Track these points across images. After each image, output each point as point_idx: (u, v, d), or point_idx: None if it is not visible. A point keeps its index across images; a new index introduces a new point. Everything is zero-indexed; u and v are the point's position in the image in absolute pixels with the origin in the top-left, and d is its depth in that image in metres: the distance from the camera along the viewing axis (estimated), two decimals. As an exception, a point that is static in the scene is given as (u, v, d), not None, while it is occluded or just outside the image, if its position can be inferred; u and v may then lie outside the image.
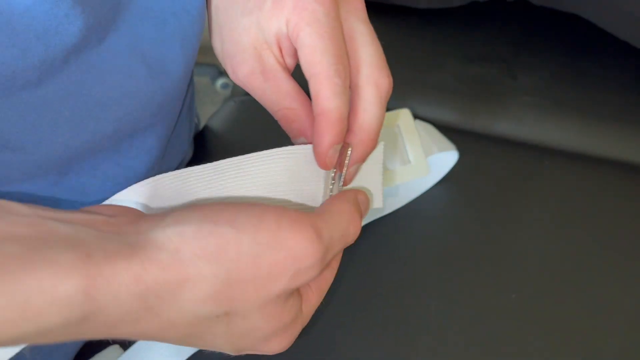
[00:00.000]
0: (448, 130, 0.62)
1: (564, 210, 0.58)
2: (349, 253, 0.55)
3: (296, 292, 0.33)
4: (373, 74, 0.36)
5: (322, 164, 0.35)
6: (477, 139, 0.64)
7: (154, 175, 0.43)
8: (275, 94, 0.37)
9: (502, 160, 0.62)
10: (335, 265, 0.37)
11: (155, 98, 0.39)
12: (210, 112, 0.72)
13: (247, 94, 0.71)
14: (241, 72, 0.38)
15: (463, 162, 0.60)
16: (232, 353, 0.33)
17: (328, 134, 0.34)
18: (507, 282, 0.54)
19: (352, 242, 0.35)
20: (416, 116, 0.63)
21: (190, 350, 0.48)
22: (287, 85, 0.37)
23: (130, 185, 0.37)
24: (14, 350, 0.26)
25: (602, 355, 0.51)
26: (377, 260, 0.56)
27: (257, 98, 0.38)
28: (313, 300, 0.34)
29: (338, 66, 0.34)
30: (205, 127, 0.68)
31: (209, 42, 0.42)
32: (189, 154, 0.64)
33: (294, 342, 0.35)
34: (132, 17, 0.37)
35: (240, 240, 0.28)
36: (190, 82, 0.45)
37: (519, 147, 0.64)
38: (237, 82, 0.38)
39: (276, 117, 0.37)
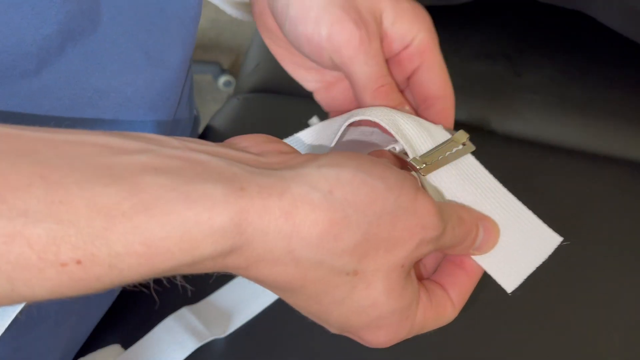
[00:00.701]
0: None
1: (567, 208, 0.58)
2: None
3: (416, 282, 0.33)
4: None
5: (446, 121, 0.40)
6: (481, 136, 0.64)
7: None
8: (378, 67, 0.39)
9: (506, 157, 0.62)
10: (458, 306, 0.36)
11: (154, 86, 0.39)
12: (213, 110, 0.71)
13: (250, 91, 0.72)
14: (341, 36, 0.38)
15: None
16: (334, 330, 0.32)
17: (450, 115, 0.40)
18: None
19: (456, 253, 0.35)
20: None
21: (192, 347, 0.48)
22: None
23: None
24: (14, 309, 0.25)
25: (604, 353, 0.51)
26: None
27: (346, 68, 0.39)
28: (427, 308, 0.33)
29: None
30: (209, 126, 0.67)
31: (211, 40, 0.42)
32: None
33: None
34: (129, 6, 0.37)
35: (387, 197, 0.29)
36: (189, 71, 0.45)
37: (523, 144, 0.64)
38: (327, 45, 0.38)
39: (372, 95, 0.39)
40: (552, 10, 0.73)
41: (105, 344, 0.49)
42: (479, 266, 0.36)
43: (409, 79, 0.41)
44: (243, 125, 0.66)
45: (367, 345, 0.33)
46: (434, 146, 0.36)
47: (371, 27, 0.38)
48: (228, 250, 0.25)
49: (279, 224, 0.26)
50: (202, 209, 0.24)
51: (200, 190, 0.24)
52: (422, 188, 0.31)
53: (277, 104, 0.68)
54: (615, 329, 0.52)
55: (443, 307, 0.35)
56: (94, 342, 0.50)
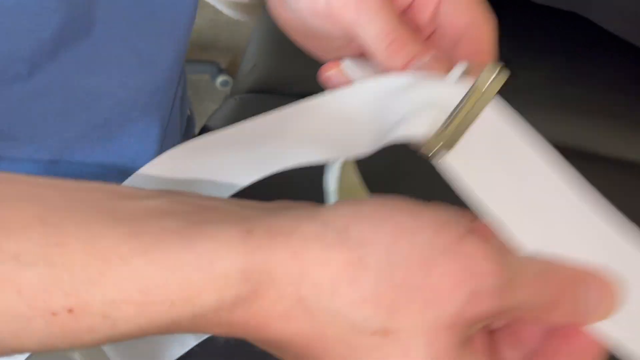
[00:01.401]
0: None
1: (563, 208, 0.58)
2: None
3: (484, 357, 0.25)
4: None
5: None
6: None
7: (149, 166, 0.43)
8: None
9: (502, 158, 0.62)
10: None
11: (146, 87, 0.39)
12: (210, 110, 0.71)
13: (248, 91, 0.72)
14: None
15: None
16: None
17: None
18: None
19: (555, 321, 0.25)
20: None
21: (192, 343, 0.48)
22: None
23: (123, 175, 0.37)
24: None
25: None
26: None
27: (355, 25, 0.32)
28: None
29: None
30: (205, 126, 0.68)
31: (209, 40, 0.42)
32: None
33: None
34: (121, 8, 0.37)
35: (416, 237, 0.23)
36: (182, 73, 0.45)
37: (519, 145, 0.64)
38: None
39: (384, 55, 0.32)
40: (547, 11, 0.73)
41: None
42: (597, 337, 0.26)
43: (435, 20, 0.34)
44: (240, 125, 0.67)
45: None
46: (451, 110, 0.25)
47: None
48: (233, 301, 0.22)
49: (286, 267, 0.22)
50: (203, 252, 0.22)
51: (204, 232, 0.22)
52: (479, 233, 0.24)
53: (274, 104, 0.68)
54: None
55: None
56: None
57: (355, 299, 0.22)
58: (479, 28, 0.33)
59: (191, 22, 0.42)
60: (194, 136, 0.66)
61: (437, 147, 0.25)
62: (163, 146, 0.47)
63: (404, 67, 0.30)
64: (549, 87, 0.68)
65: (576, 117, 0.67)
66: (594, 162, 0.63)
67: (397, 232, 0.23)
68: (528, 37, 0.73)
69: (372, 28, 0.32)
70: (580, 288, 0.25)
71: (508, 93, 0.68)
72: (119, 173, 0.42)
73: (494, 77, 0.25)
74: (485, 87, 0.25)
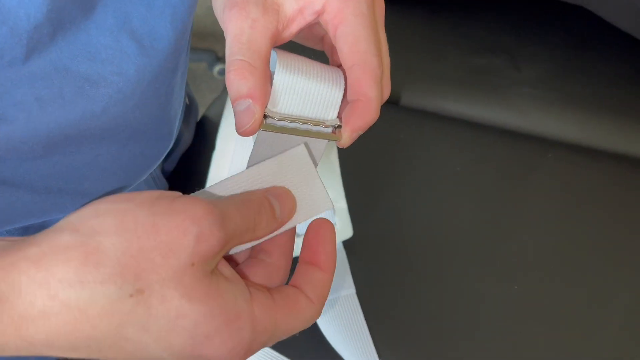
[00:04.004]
0: (451, 121, 0.62)
1: (566, 202, 0.58)
2: (352, 248, 0.55)
3: (234, 278, 0.31)
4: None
5: (345, 144, 0.35)
6: (480, 130, 0.64)
7: (145, 156, 0.42)
8: None
9: (505, 152, 0.62)
10: (282, 276, 0.34)
11: (145, 75, 0.39)
12: (207, 98, 0.71)
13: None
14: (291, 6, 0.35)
15: (465, 153, 0.59)
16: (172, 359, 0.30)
17: (364, 119, 0.34)
18: (508, 273, 0.54)
19: (262, 234, 0.33)
20: (421, 108, 0.63)
21: None
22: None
23: (118, 166, 0.36)
24: None
25: (603, 345, 0.51)
26: (378, 253, 0.55)
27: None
28: (271, 308, 0.31)
29: (378, 57, 0.35)
30: (205, 116, 0.67)
31: (207, 28, 0.41)
32: (187, 139, 0.64)
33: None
34: None
35: (137, 212, 0.29)
36: (181, 61, 0.45)
37: (522, 139, 0.64)
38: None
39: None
40: (552, 5, 0.72)
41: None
42: (329, 259, 0.34)
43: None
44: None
45: None
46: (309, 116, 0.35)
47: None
48: None
49: (30, 275, 0.26)
50: None
51: None
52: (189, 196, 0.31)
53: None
54: (614, 320, 0.52)
55: (294, 303, 0.32)
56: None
57: (105, 277, 0.27)
58: (357, 70, 0.35)
59: (192, 8, 0.41)
60: (195, 125, 0.65)
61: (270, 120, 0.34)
62: (159, 136, 0.47)
63: (361, 128, 0.35)
64: (552, 81, 0.68)
65: (580, 111, 0.66)
66: (597, 158, 0.62)
67: (120, 216, 0.28)
68: (532, 31, 0.72)
69: (227, 37, 0.35)
70: (270, 202, 0.33)
71: (511, 86, 0.68)
72: (114, 160, 0.41)
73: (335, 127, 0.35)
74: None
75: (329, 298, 0.52)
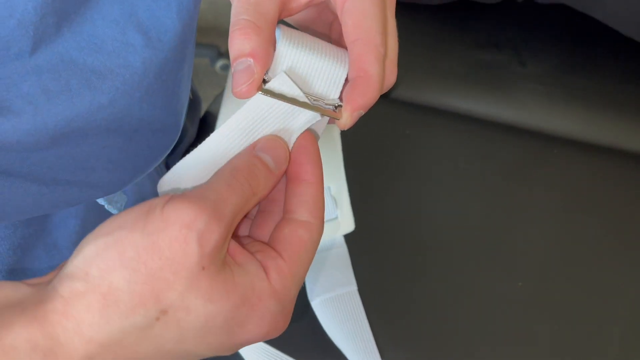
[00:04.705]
0: (456, 117, 0.62)
1: (571, 199, 0.58)
2: (355, 244, 0.55)
3: (245, 260, 0.31)
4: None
5: (346, 124, 0.34)
6: (485, 126, 0.64)
7: (151, 149, 0.42)
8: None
9: (510, 148, 0.61)
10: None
11: (152, 67, 0.39)
12: (210, 94, 0.70)
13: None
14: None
15: (471, 149, 0.59)
16: (223, 353, 0.32)
17: (364, 97, 0.33)
18: (513, 270, 0.54)
19: (264, 194, 0.33)
20: (425, 103, 0.62)
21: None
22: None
23: (125, 158, 0.37)
24: None
25: (608, 340, 0.51)
26: (383, 250, 0.55)
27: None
28: (284, 268, 0.32)
29: (383, 36, 0.34)
30: (208, 112, 0.67)
31: (209, 23, 0.41)
32: (191, 134, 0.63)
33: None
34: None
35: (133, 237, 0.29)
36: (188, 53, 0.44)
37: (527, 135, 0.64)
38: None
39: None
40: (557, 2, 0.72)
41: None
42: (315, 168, 0.34)
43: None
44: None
45: (270, 338, 0.32)
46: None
47: None
48: None
49: (63, 326, 0.28)
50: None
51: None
52: (184, 194, 0.30)
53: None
54: (615, 321, 0.52)
55: (297, 243, 0.32)
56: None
57: (127, 311, 0.28)
58: (360, 46, 0.34)
59: (198, 1, 0.41)
60: (199, 120, 0.65)
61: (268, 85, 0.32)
62: (165, 129, 0.46)
63: (362, 107, 0.33)
64: (557, 76, 0.68)
65: (585, 108, 0.66)
66: (603, 154, 0.62)
67: (120, 246, 0.29)
68: (537, 26, 0.72)
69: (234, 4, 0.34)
70: (256, 161, 0.32)
71: (516, 82, 0.68)
72: (119, 151, 0.41)
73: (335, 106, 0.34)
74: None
75: (330, 295, 0.53)
